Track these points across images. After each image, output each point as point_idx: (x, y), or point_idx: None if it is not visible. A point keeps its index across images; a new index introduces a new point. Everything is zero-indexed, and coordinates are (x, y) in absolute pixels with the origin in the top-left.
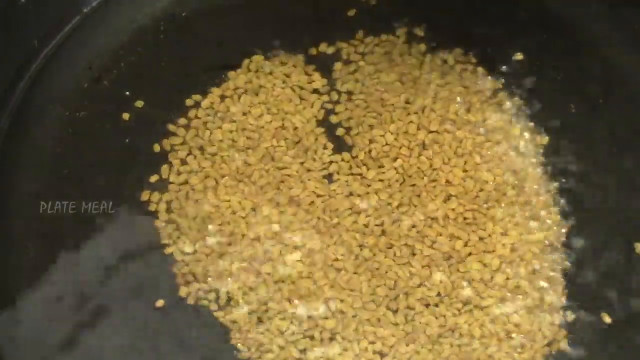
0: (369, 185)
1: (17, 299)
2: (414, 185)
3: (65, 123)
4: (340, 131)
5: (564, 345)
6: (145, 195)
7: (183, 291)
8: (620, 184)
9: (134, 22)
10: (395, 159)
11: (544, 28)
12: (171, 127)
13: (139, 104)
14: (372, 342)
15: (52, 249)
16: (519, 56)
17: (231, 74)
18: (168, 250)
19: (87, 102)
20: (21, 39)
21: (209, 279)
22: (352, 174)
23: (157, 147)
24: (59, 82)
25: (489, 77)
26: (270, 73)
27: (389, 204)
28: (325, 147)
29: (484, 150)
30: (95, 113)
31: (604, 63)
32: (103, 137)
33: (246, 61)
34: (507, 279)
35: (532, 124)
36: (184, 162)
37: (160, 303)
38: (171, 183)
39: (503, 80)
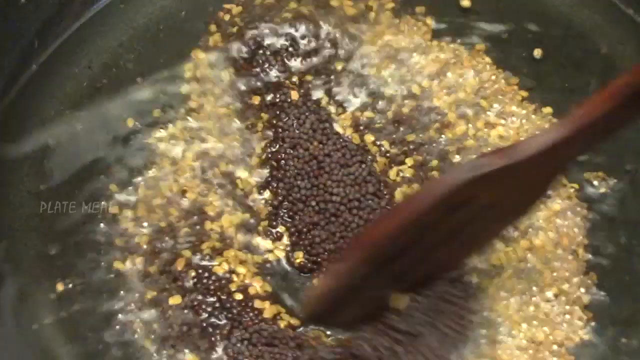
0: None
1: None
2: None
3: (65, 123)
4: None
5: None
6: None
7: None
8: (622, 186)
9: (133, 21)
10: None
11: (544, 26)
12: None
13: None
14: None
15: (52, 249)
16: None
17: None
18: None
19: (87, 102)
20: (21, 39)
21: None
22: None
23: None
24: (59, 82)
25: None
26: None
27: None
28: None
29: None
30: (95, 113)
31: (605, 62)
32: (103, 137)
33: None
34: None
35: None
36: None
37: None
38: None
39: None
